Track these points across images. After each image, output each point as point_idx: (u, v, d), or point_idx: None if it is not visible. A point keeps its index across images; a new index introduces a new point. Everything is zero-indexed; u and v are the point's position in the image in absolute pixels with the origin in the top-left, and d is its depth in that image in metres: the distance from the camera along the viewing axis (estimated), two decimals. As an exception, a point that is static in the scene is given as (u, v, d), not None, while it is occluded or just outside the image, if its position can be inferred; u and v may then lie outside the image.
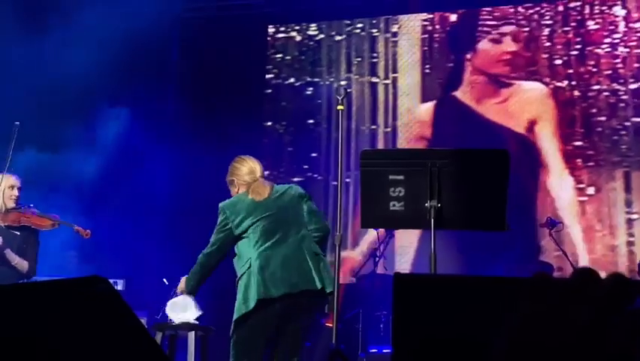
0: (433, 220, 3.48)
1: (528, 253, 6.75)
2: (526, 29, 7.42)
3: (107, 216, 7.30)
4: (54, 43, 7.03)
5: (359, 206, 3.66)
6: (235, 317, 4.11)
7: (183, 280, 4.52)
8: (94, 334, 2.12)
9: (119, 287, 6.26)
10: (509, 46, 7.44)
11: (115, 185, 7.51)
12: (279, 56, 8.24)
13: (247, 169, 4.38)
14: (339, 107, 4.08)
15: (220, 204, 4.32)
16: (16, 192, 5.35)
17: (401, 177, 3.57)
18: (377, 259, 6.52)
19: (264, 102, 8.14)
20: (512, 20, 7.48)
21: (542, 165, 7.04)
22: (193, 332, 4.81)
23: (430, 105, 7.58)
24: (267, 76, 8.21)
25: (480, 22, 7.58)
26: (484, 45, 7.54)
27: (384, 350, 5.82)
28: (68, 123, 7.23)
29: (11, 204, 5.32)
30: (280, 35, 8.30)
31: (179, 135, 7.74)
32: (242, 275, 4.16)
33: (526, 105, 7.22)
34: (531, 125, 7.14)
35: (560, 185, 6.96)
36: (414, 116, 7.61)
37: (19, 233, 5.34)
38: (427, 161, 3.56)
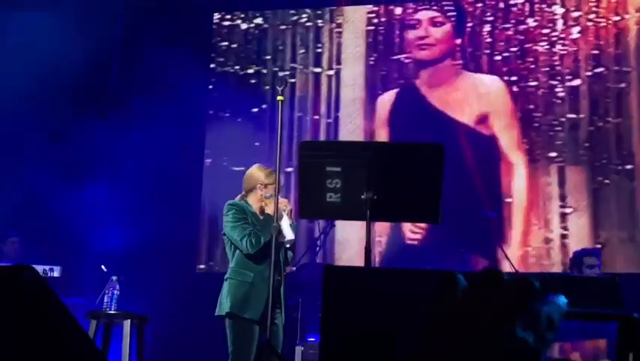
0: (368, 212, 3.53)
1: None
2: (470, 24, 7.52)
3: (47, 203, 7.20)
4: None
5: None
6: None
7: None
8: (19, 321, 2.11)
9: (56, 274, 6.19)
10: (451, 39, 7.54)
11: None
12: (225, 44, 8.20)
13: (246, 177, 4.79)
14: (279, 97, 4.11)
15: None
16: None
17: (338, 169, 3.60)
18: (317, 249, 6.57)
19: (209, 91, 8.11)
20: (454, 13, 7.58)
21: (497, 157, 7.18)
22: (128, 320, 4.79)
23: (383, 96, 7.63)
24: (212, 65, 8.17)
25: (422, 16, 7.66)
26: (426, 36, 7.61)
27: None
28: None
29: None
30: (226, 23, 8.26)
31: (119, 123, 7.66)
32: None
33: (477, 98, 7.33)
34: (481, 118, 7.26)
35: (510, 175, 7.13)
36: (357, 108, 7.65)
37: None
38: (364, 153, 3.60)
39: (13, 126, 7.29)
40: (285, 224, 4.47)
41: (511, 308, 0.67)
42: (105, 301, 4.92)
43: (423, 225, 6.82)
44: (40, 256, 6.65)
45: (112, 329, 5.07)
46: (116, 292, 4.94)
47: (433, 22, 7.57)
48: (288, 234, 4.50)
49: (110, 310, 4.84)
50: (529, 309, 0.68)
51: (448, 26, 7.54)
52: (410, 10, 7.68)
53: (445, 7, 7.60)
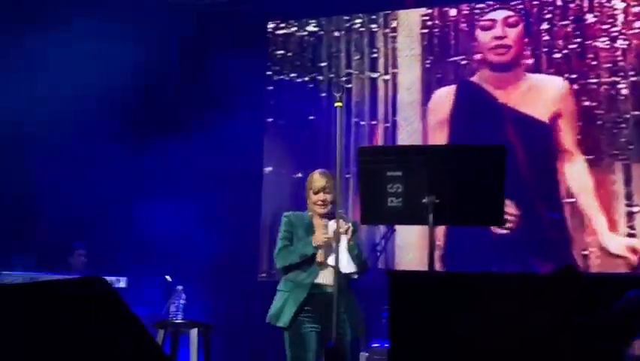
0: (431, 216, 3.51)
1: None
2: (524, 21, 7.43)
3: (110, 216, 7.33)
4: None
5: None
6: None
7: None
8: (92, 333, 2.15)
9: (122, 285, 6.28)
10: (510, 38, 7.45)
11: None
12: (280, 52, 8.25)
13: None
14: (337, 104, 4.10)
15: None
16: None
17: (399, 173, 3.59)
18: (378, 254, 6.55)
19: (266, 99, 8.17)
20: (512, 12, 7.49)
21: (560, 156, 7.07)
22: (195, 329, 4.84)
23: (441, 95, 7.58)
24: (268, 73, 8.23)
25: (479, 17, 7.59)
26: (483, 37, 7.54)
27: (387, 345, 5.84)
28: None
29: None
30: (280, 32, 8.31)
31: (179, 134, 7.76)
32: None
33: (539, 97, 7.24)
34: (545, 117, 7.16)
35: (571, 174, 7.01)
36: (415, 111, 7.62)
37: None
38: (425, 157, 3.59)
39: (79, 138, 7.44)
40: (343, 252, 4.31)
41: (592, 306, 0.68)
42: (172, 310, 4.99)
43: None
44: (106, 268, 6.77)
45: (179, 338, 5.13)
46: (182, 301, 5.00)
47: (507, 23, 7.48)
48: (344, 265, 4.32)
49: (177, 319, 4.90)
50: (610, 307, 0.68)
51: (520, 27, 7.45)
52: (477, 12, 7.61)
53: (513, 6, 7.51)
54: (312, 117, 7.93)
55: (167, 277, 6.24)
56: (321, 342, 4.30)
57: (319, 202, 4.57)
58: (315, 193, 4.58)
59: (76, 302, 2.21)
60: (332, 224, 4.41)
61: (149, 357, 2.14)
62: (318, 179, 4.61)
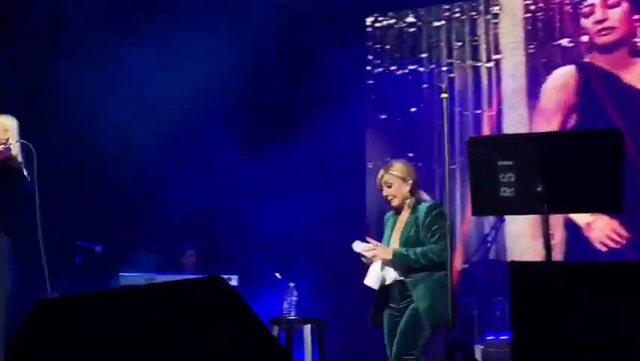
0: (546, 205, 3.42)
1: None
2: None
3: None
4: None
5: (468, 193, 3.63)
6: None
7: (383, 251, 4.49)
8: (214, 333, 2.19)
9: (234, 283, 6.40)
10: (613, 20, 7.18)
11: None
12: (379, 45, 8.22)
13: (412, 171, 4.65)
14: (443, 95, 4.06)
15: (437, 202, 4.61)
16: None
17: (510, 163, 3.51)
18: (489, 245, 6.44)
19: (367, 94, 8.15)
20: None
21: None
22: (309, 325, 4.88)
23: (555, 79, 7.37)
24: (368, 67, 8.21)
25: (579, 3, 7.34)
26: (586, 23, 7.29)
27: (502, 337, 5.74)
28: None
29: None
30: (379, 25, 8.28)
31: (285, 133, 7.83)
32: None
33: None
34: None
35: None
36: (520, 98, 7.44)
37: None
38: (537, 144, 3.50)
39: (191, 141, 7.63)
40: (374, 269, 4.47)
41: None
42: (284, 307, 5.04)
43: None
44: (217, 267, 6.89)
45: (293, 334, 5.19)
46: (294, 298, 5.05)
47: (607, 5, 7.21)
48: (369, 280, 4.49)
49: (290, 316, 4.95)
50: None
51: (624, 6, 7.16)
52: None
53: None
54: (413, 109, 7.87)
55: (277, 274, 6.31)
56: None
57: (387, 198, 4.57)
58: (382, 190, 4.58)
59: (200, 302, 2.25)
60: (356, 244, 4.49)
61: (272, 354, 2.17)
62: (378, 176, 4.63)
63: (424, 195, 4.61)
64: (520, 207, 3.71)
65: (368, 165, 7.98)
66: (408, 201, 4.54)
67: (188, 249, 7.30)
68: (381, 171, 4.65)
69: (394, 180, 4.56)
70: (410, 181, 4.56)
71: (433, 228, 4.40)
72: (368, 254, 4.44)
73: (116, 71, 7.14)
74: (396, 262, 4.38)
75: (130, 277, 5.78)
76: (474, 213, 4.01)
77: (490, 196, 3.56)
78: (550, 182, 3.42)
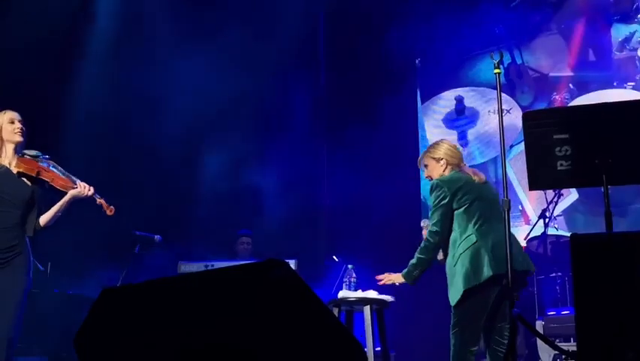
0: (604, 176, 3.38)
1: None
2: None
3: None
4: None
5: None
6: (465, 287, 4.17)
7: (396, 276, 4.61)
8: (276, 316, 2.20)
9: (292, 267, 6.45)
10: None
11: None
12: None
13: (457, 152, 4.60)
14: (496, 70, 4.01)
15: (435, 181, 4.47)
16: (19, 125, 4.56)
17: (566, 136, 3.47)
18: (547, 220, 6.37)
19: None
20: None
21: None
22: (368, 306, 4.89)
23: None
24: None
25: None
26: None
27: (563, 312, 5.69)
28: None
29: (18, 138, 4.54)
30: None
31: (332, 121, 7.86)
32: (466, 249, 4.23)
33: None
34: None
35: None
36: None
37: (30, 184, 4.53)
38: (592, 117, 3.45)
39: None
40: None
41: None
42: (343, 289, 5.06)
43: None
44: (274, 253, 6.95)
45: (353, 316, 5.21)
46: (352, 279, 5.07)
47: None
48: None
49: (350, 297, 4.97)
50: None
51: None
52: None
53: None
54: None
55: (335, 257, 6.34)
56: None
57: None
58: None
59: (261, 285, 2.26)
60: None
61: (335, 337, 2.18)
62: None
63: (469, 174, 4.52)
64: (578, 180, 3.68)
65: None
66: None
67: (241, 236, 7.35)
68: (422, 153, 4.72)
69: (429, 160, 4.61)
70: (443, 162, 4.53)
71: (430, 206, 4.44)
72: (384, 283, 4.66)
73: (169, 69, 7.24)
74: (407, 279, 4.50)
75: (189, 266, 5.85)
76: (531, 188, 3.97)
77: (546, 170, 3.53)
78: (607, 153, 3.37)
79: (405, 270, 4.50)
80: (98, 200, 4.63)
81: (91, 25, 7.30)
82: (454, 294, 4.22)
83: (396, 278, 4.56)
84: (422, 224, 4.83)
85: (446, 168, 4.55)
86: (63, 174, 4.59)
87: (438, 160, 4.57)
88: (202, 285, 2.39)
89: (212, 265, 5.92)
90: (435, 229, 4.35)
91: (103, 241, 6.41)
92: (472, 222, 4.28)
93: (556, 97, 7.31)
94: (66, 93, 7.03)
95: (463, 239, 4.28)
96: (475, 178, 4.45)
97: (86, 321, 2.44)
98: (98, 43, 7.27)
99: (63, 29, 6.90)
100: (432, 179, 4.57)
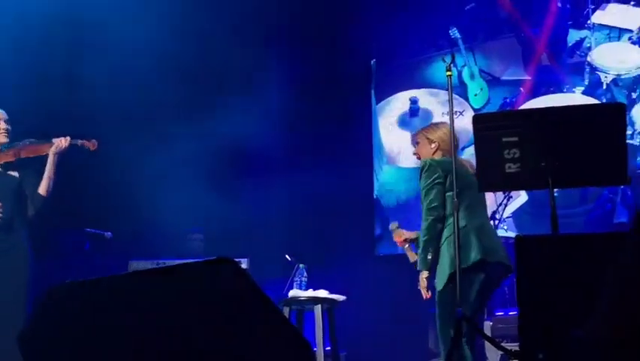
0: (550, 179, 3.44)
1: None
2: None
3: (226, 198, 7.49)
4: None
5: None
6: (450, 270, 4.11)
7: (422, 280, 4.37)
8: (225, 315, 2.20)
9: (244, 265, 6.44)
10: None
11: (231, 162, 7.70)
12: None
13: (449, 137, 4.46)
14: (448, 73, 4.07)
15: (427, 161, 4.39)
16: (3, 125, 4.84)
17: (515, 139, 3.54)
18: (496, 222, 6.45)
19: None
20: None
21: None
22: (319, 305, 4.90)
23: None
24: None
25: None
26: None
27: (510, 313, 5.77)
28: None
29: (3, 140, 4.85)
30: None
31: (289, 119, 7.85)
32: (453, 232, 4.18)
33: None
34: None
35: None
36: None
37: (17, 175, 4.89)
38: (540, 120, 3.52)
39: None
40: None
41: None
42: (294, 288, 5.07)
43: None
44: (224, 252, 6.90)
45: (304, 315, 5.22)
46: (304, 278, 5.08)
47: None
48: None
49: (300, 297, 4.98)
50: None
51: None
52: None
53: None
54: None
55: (287, 256, 6.34)
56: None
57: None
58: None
59: (210, 284, 2.26)
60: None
61: (284, 336, 2.18)
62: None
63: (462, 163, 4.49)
64: (525, 183, 3.74)
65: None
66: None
67: (193, 233, 7.30)
68: (419, 129, 4.71)
69: (422, 139, 4.58)
70: (435, 145, 4.52)
71: (421, 188, 4.39)
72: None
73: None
74: (425, 267, 4.33)
75: (140, 264, 5.81)
76: (480, 190, 4.04)
77: (496, 172, 3.59)
78: (555, 156, 3.44)
79: (418, 261, 4.35)
80: (80, 143, 4.93)
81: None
82: (442, 277, 4.18)
83: (422, 281, 4.33)
84: (391, 227, 4.74)
85: (436, 151, 4.54)
86: (37, 141, 4.90)
87: (431, 142, 4.54)
88: (150, 283, 2.38)
89: (164, 263, 5.88)
90: (434, 204, 4.27)
91: (51, 238, 6.31)
92: (462, 208, 4.22)
93: (508, 100, 7.41)
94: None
95: (450, 222, 4.24)
96: (468, 168, 4.45)
97: (31, 319, 2.41)
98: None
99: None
100: (419, 157, 4.58)
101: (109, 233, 5.93)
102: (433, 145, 4.55)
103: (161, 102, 7.42)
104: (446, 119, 7.16)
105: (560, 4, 7.30)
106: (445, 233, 4.27)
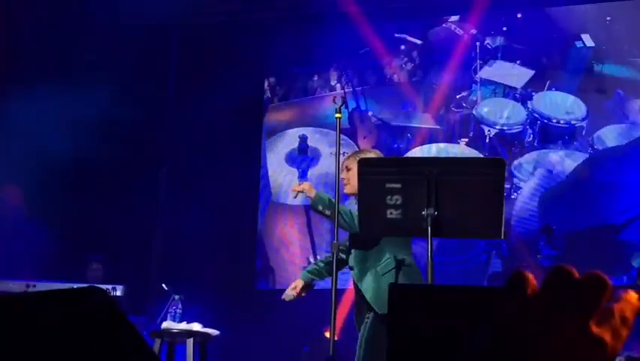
0: (430, 228, 3.50)
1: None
2: None
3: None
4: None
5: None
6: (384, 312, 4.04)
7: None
8: (90, 345, 2.13)
9: (118, 293, 6.26)
10: None
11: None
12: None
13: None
14: (337, 115, 4.11)
15: None
16: None
17: (398, 186, 3.58)
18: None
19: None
20: None
21: None
22: (191, 338, 4.82)
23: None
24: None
25: None
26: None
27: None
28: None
29: None
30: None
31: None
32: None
33: None
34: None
35: None
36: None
37: None
38: (424, 169, 3.58)
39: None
40: None
41: (585, 306, 0.66)
42: (168, 319, 4.97)
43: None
44: (106, 277, 6.71)
45: (175, 348, 5.11)
46: (178, 310, 4.99)
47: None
48: None
49: (173, 328, 4.88)
50: (603, 306, 0.67)
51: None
52: None
53: None
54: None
55: (164, 285, 6.21)
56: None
57: (343, 182, 4.56)
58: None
59: (74, 312, 2.18)
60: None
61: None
62: (344, 158, 4.62)
63: None
64: (405, 230, 3.79)
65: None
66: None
67: (93, 261, 7.04)
68: (349, 154, 4.60)
69: (353, 165, 4.26)
70: None
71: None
72: (296, 189, 4.44)
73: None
74: (316, 202, 4.31)
75: (8, 284, 5.57)
76: (362, 234, 4.07)
77: (376, 218, 3.62)
78: (435, 206, 3.50)
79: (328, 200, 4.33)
80: None
81: None
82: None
83: (309, 191, 4.36)
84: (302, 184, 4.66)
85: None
86: None
87: (352, 170, 4.37)
88: (11, 308, 2.28)
89: (35, 286, 5.66)
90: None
91: None
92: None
93: (396, 146, 7.57)
94: None
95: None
96: None
97: None
98: None
99: None
100: (347, 182, 4.40)
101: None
102: (349, 175, 4.40)
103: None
104: (334, 159, 7.24)
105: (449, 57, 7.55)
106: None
